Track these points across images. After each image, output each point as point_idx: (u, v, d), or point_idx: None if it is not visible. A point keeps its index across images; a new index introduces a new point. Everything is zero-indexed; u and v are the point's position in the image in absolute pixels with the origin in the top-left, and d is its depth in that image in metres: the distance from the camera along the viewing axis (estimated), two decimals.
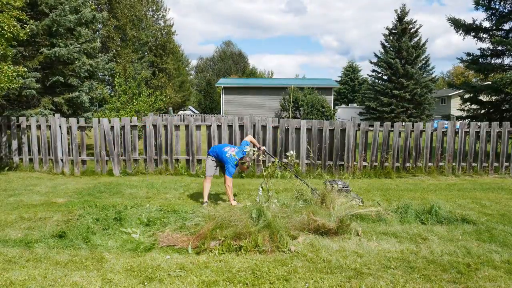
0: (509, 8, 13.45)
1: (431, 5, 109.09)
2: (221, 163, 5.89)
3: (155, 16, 36.04)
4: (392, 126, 8.78)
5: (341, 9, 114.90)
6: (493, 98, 13.58)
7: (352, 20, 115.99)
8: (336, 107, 37.82)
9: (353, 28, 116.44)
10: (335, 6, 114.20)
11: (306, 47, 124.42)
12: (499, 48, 13.40)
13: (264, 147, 6.18)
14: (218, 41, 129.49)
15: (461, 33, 14.18)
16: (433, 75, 29.25)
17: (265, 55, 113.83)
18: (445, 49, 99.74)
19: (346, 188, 5.78)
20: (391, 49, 28.32)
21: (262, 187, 5.26)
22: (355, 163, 8.67)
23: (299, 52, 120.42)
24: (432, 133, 8.77)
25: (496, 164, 8.97)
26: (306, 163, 8.63)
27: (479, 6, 13.91)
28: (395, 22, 28.46)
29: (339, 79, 55.79)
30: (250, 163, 5.94)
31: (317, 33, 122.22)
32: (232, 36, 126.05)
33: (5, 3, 7.40)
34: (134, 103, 11.79)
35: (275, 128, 8.69)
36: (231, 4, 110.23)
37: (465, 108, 14.56)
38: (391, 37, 28.60)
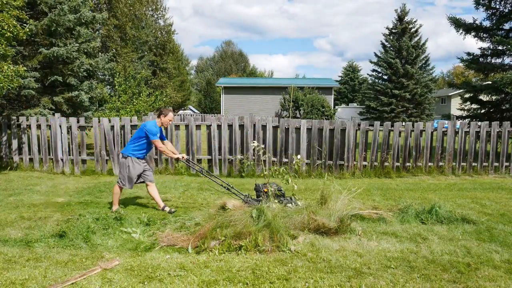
0: (509, 8, 13.43)
1: (416, 10, 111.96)
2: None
3: (155, 16, 36.02)
4: (392, 125, 8.78)
5: (331, 15, 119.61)
6: (493, 97, 13.58)
7: (342, 25, 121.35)
8: (336, 107, 37.79)
9: (343, 31, 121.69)
10: (325, 12, 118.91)
11: (301, 50, 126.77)
12: (500, 47, 13.40)
13: (185, 156, 5.59)
14: (212, 43, 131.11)
15: (461, 32, 14.18)
16: (433, 75, 29.25)
17: (262, 56, 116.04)
18: (433, 51, 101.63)
19: (280, 191, 5.36)
20: (391, 48, 28.31)
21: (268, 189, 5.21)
22: (355, 162, 8.67)
23: (295, 55, 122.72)
24: (432, 132, 8.77)
25: (496, 164, 8.96)
26: (306, 163, 8.63)
27: (480, 6, 13.90)
28: (395, 22, 28.45)
29: (339, 78, 55.76)
30: None
31: (311, 37, 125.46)
32: (224, 38, 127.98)
33: (5, 2, 7.39)
34: (134, 103, 11.80)
35: (275, 128, 8.69)
36: (226, 9, 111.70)
37: (465, 108, 14.56)
38: (391, 37, 28.59)
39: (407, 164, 8.78)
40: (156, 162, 8.71)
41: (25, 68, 7.98)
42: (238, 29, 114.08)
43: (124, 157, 5.38)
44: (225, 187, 5.50)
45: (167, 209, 5.42)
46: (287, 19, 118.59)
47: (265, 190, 5.12)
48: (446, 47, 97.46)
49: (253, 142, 5.58)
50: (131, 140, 5.45)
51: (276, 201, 5.06)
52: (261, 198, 5.15)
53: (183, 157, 5.50)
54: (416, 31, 28.08)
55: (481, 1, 13.72)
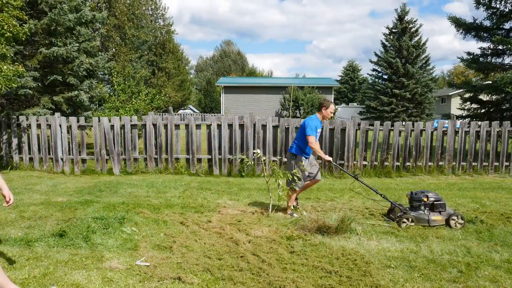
0: (509, 7, 13.43)
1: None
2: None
3: (154, 15, 36.00)
4: (392, 125, 8.78)
5: (318, 24, 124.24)
6: (493, 97, 13.58)
7: (332, 30, 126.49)
8: (336, 106, 37.78)
9: (332, 36, 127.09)
10: (315, 22, 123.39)
11: (294, 52, 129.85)
12: (500, 47, 13.40)
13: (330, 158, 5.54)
14: (207, 46, 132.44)
15: (462, 32, 14.19)
16: (433, 75, 29.23)
17: (256, 56, 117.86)
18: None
19: (440, 202, 4.80)
20: (391, 48, 28.27)
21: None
22: (355, 162, 8.67)
23: (288, 57, 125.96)
24: (432, 132, 8.76)
25: (496, 164, 8.96)
26: None
27: (480, 5, 13.90)
28: (395, 22, 28.42)
29: (339, 78, 55.73)
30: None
31: (302, 41, 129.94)
32: (219, 41, 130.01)
33: (5, 2, 7.38)
34: (133, 102, 11.78)
35: (275, 127, 8.68)
36: (219, 13, 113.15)
37: (465, 108, 14.56)
38: (391, 37, 28.55)
39: (407, 163, 8.78)
40: (156, 161, 8.71)
41: (23, 69, 7.96)
42: (231, 34, 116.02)
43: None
44: (381, 196, 5.15)
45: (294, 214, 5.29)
46: (279, 26, 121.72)
47: (425, 199, 4.76)
48: (433, 49, 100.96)
49: (257, 150, 5.56)
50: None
51: (437, 213, 4.71)
52: (416, 208, 4.77)
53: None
54: (417, 30, 28.03)
55: (481, 1, 13.72)
